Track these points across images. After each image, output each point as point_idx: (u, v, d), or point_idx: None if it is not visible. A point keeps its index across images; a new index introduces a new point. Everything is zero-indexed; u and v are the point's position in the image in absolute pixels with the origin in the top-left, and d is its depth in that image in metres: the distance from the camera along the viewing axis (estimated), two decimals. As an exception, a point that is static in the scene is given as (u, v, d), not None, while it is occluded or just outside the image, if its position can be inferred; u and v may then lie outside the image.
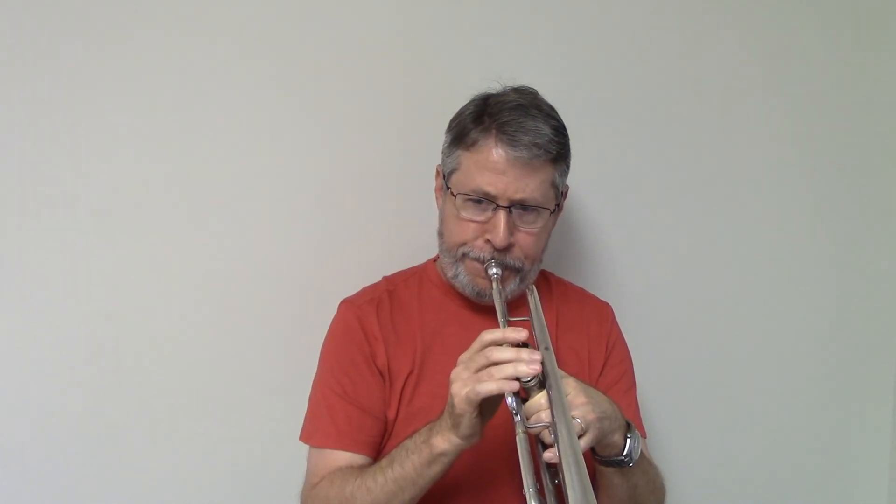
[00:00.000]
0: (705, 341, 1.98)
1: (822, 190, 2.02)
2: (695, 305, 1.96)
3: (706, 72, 1.92)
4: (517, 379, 1.14)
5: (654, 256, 1.92)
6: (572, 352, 1.51)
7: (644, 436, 1.51)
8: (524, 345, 1.18)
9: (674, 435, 1.94)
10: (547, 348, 1.19)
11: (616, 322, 1.60)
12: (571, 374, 1.25)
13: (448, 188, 1.42)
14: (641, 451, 1.29)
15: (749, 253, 1.99)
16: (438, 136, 1.48)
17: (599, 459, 1.26)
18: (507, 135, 1.34)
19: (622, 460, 1.25)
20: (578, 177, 1.51)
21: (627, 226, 1.90)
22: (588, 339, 1.54)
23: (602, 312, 1.60)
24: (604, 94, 1.86)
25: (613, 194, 1.88)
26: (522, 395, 1.17)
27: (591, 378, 1.51)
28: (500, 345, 1.18)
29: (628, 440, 1.25)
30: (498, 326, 1.30)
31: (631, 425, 1.27)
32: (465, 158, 1.39)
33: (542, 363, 1.16)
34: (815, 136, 2.00)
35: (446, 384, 1.20)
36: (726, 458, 2.01)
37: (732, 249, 1.98)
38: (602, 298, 1.64)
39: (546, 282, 1.59)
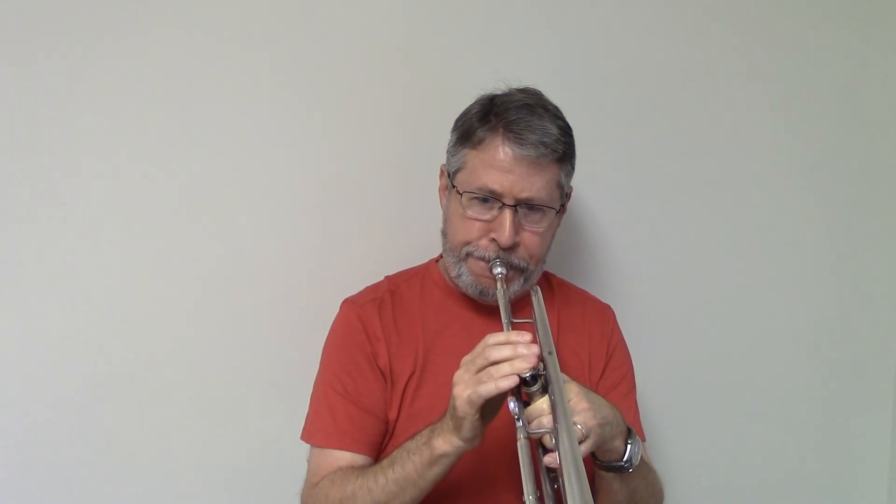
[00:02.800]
0: (706, 342, 1.98)
1: (823, 191, 2.02)
2: (696, 306, 1.96)
3: (709, 73, 1.91)
4: (520, 379, 1.14)
5: (656, 257, 1.92)
6: (573, 354, 1.51)
7: (643, 439, 1.51)
8: None
9: (674, 435, 1.94)
10: (550, 352, 1.18)
11: (617, 325, 1.60)
12: (572, 377, 1.25)
13: (453, 187, 1.42)
14: (641, 456, 1.29)
15: (750, 254, 1.98)
16: (442, 136, 1.48)
17: (599, 464, 1.27)
18: (514, 133, 1.34)
19: (622, 466, 1.25)
20: (581, 177, 1.50)
21: (629, 227, 1.90)
22: (589, 341, 1.54)
23: (604, 315, 1.60)
24: (606, 95, 1.85)
25: (616, 195, 1.88)
26: (525, 399, 1.17)
27: (592, 381, 1.51)
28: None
29: (629, 446, 1.25)
30: (501, 327, 1.31)
31: (632, 431, 1.27)
32: (472, 157, 1.39)
33: (545, 367, 1.16)
34: (817, 136, 1.99)
35: (448, 385, 1.20)
36: (726, 458, 2.01)
37: (734, 250, 1.97)
38: (604, 299, 1.64)
39: (548, 284, 1.59)
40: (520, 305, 1.46)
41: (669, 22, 1.88)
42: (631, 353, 1.60)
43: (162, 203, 1.64)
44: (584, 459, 1.08)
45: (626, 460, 1.25)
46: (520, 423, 1.12)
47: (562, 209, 1.46)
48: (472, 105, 1.44)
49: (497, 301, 1.36)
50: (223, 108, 1.65)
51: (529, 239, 1.39)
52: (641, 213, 1.90)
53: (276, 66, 1.68)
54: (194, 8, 1.63)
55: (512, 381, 1.12)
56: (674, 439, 1.94)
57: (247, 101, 1.66)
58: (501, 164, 1.35)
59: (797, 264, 2.02)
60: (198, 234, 1.67)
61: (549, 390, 1.14)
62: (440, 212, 1.50)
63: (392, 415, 1.42)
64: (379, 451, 1.43)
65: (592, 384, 1.50)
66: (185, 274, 1.67)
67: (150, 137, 1.63)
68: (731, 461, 2.02)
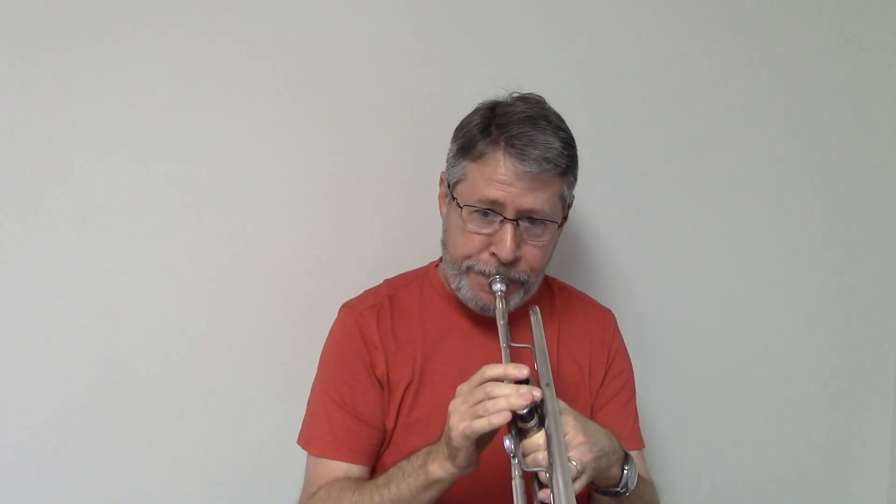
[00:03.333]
0: (706, 344, 1.97)
1: (823, 192, 2.01)
2: (695, 308, 1.96)
3: (707, 75, 1.89)
4: (515, 415, 1.13)
5: (656, 260, 1.91)
6: (573, 362, 1.50)
7: (642, 447, 1.52)
8: (526, 381, 1.16)
9: (674, 437, 1.95)
10: (548, 384, 1.17)
11: (618, 330, 1.59)
12: (571, 386, 1.25)
13: (454, 199, 1.40)
14: (639, 474, 1.28)
15: (750, 255, 1.98)
16: (441, 140, 1.46)
17: (596, 489, 1.27)
18: (515, 148, 1.31)
19: (618, 491, 1.25)
20: (581, 180, 1.47)
21: (629, 229, 1.89)
22: (590, 347, 1.53)
23: (604, 321, 1.59)
24: (606, 99, 1.83)
25: (615, 199, 1.87)
26: (520, 426, 1.17)
27: (592, 388, 1.51)
28: (501, 381, 1.16)
29: (625, 472, 1.24)
30: (499, 339, 1.30)
31: (629, 456, 1.27)
32: (472, 170, 1.36)
33: (542, 399, 1.15)
34: (817, 137, 1.98)
35: (446, 394, 1.20)
36: (726, 459, 2.02)
37: (733, 252, 1.96)
38: (604, 302, 1.63)
39: (549, 289, 1.58)
40: (520, 315, 1.45)
41: (668, 25, 1.85)
42: (630, 355, 1.59)
43: (163, 205, 1.64)
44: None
45: (622, 486, 1.25)
46: (515, 461, 1.12)
47: (563, 220, 1.44)
48: (472, 114, 1.41)
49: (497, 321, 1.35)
50: (224, 111, 1.64)
51: (530, 253, 1.38)
52: (642, 215, 1.89)
53: (277, 69, 1.66)
54: (198, 10, 1.61)
55: (505, 418, 1.12)
56: (674, 441, 1.95)
57: (248, 104, 1.65)
58: (503, 178, 1.32)
59: (797, 265, 2.01)
60: (198, 236, 1.66)
61: (546, 424, 1.13)
62: (440, 217, 1.49)
63: (389, 423, 1.42)
64: (376, 459, 1.43)
65: (592, 392, 1.50)
66: (185, 275, 1.66)
67: (153, 138, 1.62)
68: (731, 462, 2.02)
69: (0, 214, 1.57)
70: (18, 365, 1.60)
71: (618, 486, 1.25)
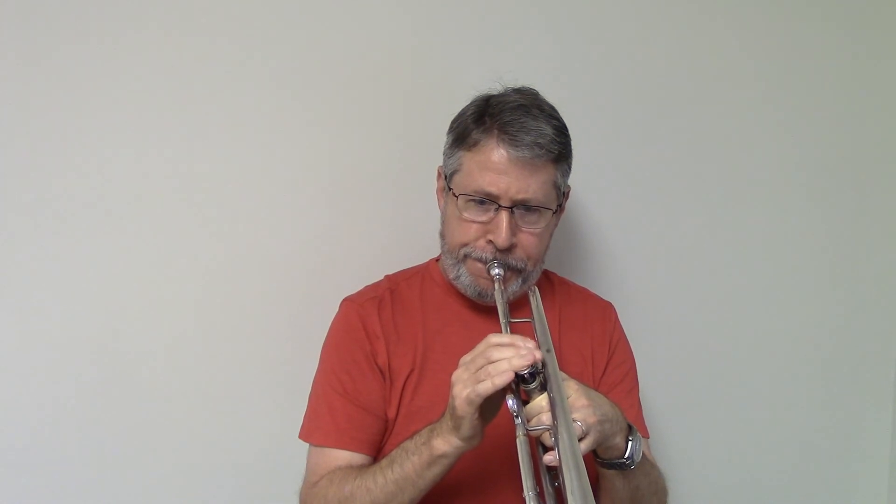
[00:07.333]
0: (706, 341, 1.98)
1: (822, 190, 2.02)
2: (695, 305, 1.96)
3: (707, 72, 1.92)
4: (518, 378, 1.14)
5: (655, 256, 1.92)
6: (576, 351, 1.51)
7: (646, 436, 1.51)
8: None
9: (674, 434, 1.94)
10: (549, 350, 1.18)
11: (619, 322, 1.60)
12: (574, 374, 1.24)
13: (450, 189, 1.42)
14: (643, 453, 1.28)
15: (750, 252, 1.99)
16: (440, 136, 1.48)
17: (601, 462, 1.26)
18: (508, 135, 1.34)
19: (623, 463, 1.24)
20: (579, 176, 1.51)
21: (628, 225, 1.90)
22: (591, 338, 1.54)
23: (605, 312, 1.60)
24: (605, 95, 1.86)
25: (614, 194, 1.88)
26: (524, 398, 1.17)
27: (594, 378, 1.51)
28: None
29: (630, 443, 1.24)
30: (499, 326, 1.31)
31: (633, 428, 1.26)
32: (467, 159, 1.39)
33: (543, 365, 1.16)
34: (816, 136, 2.00)
35: (447, 383, 1.20)
36: (727, 457, 2.01)
37: (733, 249, 1.98)
38: (604, 297, 1.64)
39: (549, 282, 1.59)
40: (519, 305, 1.46)
41: (668, 22, 1.88)
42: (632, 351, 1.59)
43: (163, 203, 1.65)
44: (585, 457, 1.08)
45: (628, 457, 1.24)
46: (518, 421, 1.12)
47: (559, 209, 1.45)
48: (467, 106, 1.44)
49: (495, 302, 1.36)
50: (225, 108, 1.66)
51: (527, 240, 1.39)
52: (641, 212, 1.91)
53: (277, 67, 1.68)
54: (199, 8, 1.64)
55: (507, 378, 1.12)
56: (672, 439, 1.94)
57: (248, 101, 1.67)
58: (496, 166, 1.35)
59: (797, 264, 2.02)
60: (198, 234, 1.67)
61: (548, 388, 1.14)
62: (439, 212, 1.51)
63: (391, 413, 1.42)
64: (378, 449, 1.43)
65: (595, 381, 1.50)
66: (185, 273, 1.67)
67: (151, 137, 1.63)
68: (731, 460, 2.02)
69: (2, 213, 1.58)
70: (19, 364, 1.60)
71: (623, 458, 1.24)
